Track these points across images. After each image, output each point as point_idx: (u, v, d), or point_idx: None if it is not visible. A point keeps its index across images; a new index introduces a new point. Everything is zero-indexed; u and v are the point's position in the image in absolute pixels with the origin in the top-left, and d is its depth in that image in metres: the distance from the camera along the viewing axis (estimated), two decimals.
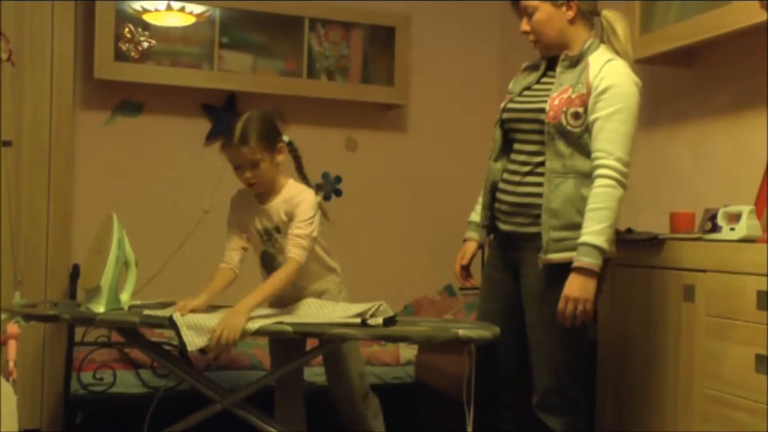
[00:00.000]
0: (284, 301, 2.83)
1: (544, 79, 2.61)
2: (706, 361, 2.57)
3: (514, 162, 2.62)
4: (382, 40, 4.51)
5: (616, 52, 2.52)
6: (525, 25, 2.58)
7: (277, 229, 2.78)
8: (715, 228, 2.68)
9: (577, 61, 2.53)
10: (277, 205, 2.77)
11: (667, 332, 2.74)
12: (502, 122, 2.65)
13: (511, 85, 2.73)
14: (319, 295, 2.85)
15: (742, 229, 2.55)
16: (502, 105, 2.67)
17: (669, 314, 2.73)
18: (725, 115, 3.18)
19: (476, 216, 2.80)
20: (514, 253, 2.62)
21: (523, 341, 2.64)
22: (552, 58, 2.61)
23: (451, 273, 4.57)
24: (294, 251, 2.67)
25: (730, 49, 3.10)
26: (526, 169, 2.57)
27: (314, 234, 2.73)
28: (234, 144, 2.69)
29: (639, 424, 2.84)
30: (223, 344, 2.49)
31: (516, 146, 2.62)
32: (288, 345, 2.90)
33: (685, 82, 3.32)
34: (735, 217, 2.61)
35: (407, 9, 4.53)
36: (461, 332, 2.46)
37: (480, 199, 2.78)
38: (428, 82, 4.72)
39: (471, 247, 2.81)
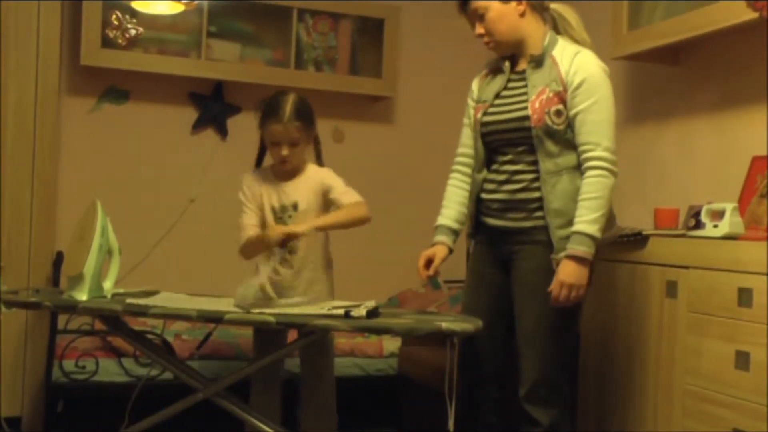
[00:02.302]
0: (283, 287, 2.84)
1: (513, 84, 2.62)
2: (687, 356, 2.59)
3: (498, 164, 2.62)
4: (370, 32, 4.50)
5: (576, 42, 2.57)
6: (479, 29, 2.61)
7: (295, 206, 2.86)
8: (699, 225, 2.70)
9: (542, 59, 2.55)
10: (299, 182, 2.89)
11: (649, 327, 2.75)
12: (483, 135, 2.65)
13: (475, 91, 2.74)
14: (315, 288, 2.87)
15: (725, 226, 2.57)
16: (479, 116, 2.66)
17: (651, 310, 2.75)
18: (711, 113, 3.19)
19: (447, 219, 2.78)
20: (506, 247, 2.62)
21: (510, 335, 2.65)
22: (512, 57, 2.63)
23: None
24: (353, 197, 2.91)
25: (717, 47, 3.11)
26: (515, 168, 2.58)
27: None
28: (284, 121, 2.79)
29: (620, 418, 2.86)
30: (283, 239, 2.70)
31: (500, 152, 2.62)
32: (271, 336, 2.91)
33: (671, 79, 3.33)
34: (718, 214, 2.63)
35: (396, 1, 4.52)
36: (444, 325, 2.46)
37: (446, 203, 2.80)
38: (416, 74, 4.71)
39: (440, 250, 2.76)
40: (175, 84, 4.24)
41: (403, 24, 4.55)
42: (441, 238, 2.77)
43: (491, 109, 2.63)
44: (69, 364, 3.41)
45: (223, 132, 4.31)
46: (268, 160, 3.00)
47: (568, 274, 2.43)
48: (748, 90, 3.00)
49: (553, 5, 2.62)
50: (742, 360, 2.37)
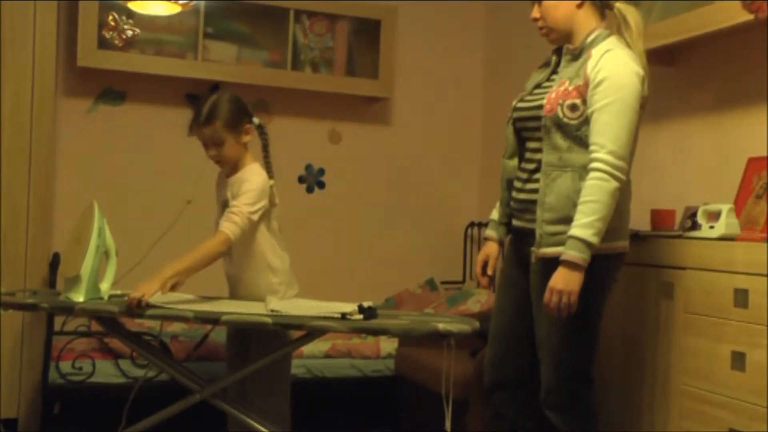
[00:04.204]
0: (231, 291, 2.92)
1: (553, 76, 2.61)
2: (683, 357, 2.60)
3: (524, 160, 2.63)
4: (367, 33, 4.50)
5: (627, 45, 2.49)
6: (535, 12, 2.59)
7: (226, 202, 2.87)
8: (695, 226, 2.70)
9: (579, 54, 2.52)
10: (234, 179, 2.88)
11: (645, 328, 2.76)
12: (513, 121, 2.66)
13: (528, 82, 2.72)
14: (251, 291, 2.88)
15: (721, 228, 2.57)
16: (514, 103, 2.67)
17: (648, 311, 2.75)
18: (707, 114, 3.20)
19: (495, 213, 2.79)
20: (525, 249, 2.60)
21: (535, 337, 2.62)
22: (562, 50, 2.61)
23: (433, 266, 4.63)
24: (225, 225, 2.74)
25: (713, 49, 3.12)
26: (533, 166, 2.57)
27: (254, 217, 2.78)
28: (200, 123, 2.81)
29: (616, 419, 2.86)
30: (134, 307, 2.52)
31: (526, 144, 2.63)
32: (245, 337, 2.92)
33: (668, 80, 3.33)
34: (714, 215, 2.63)
35: (393, 2, 4.53)
36: (440, 326, 2.46)
37: (500, 198, 2.79)
38: (413, 75, 4.72)
39: (491, 248, 2.77)
40: (172, 85, 4.24)
41: (400, 25, 4.55)
42: (490, 232, 2.80)
43: (527, 97, 2.63)
44: (66, 366, 3.41)
45: None
46: None
47: (557, 280, 2.36)
48: (744, 91, 3.01)
49: (619, 4, 2.54)
50: (738, 361, 2.38)
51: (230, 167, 2.89)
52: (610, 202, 2.36)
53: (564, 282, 2.36)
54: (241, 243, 2.81)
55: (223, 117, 2.79)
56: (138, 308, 2.52)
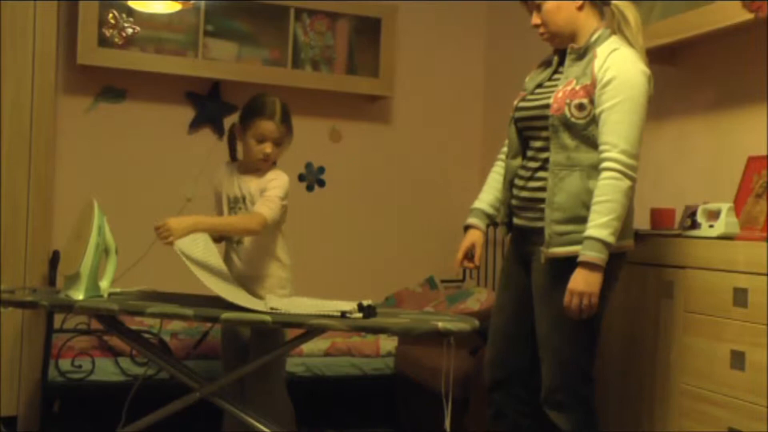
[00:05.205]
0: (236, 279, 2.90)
1: (556, 75, 2.60)
2: (683, 356, 2.60)
3: (527, 159, 2.62)
4: (367, 31, 4.50)
5: (628, 42, 2.49)
6: (536, 18, 2.57)
7: (243, 199, 2.92)
8: (695, 225, 2.70)
9: (584, 53, 2.51)
10: (256, 177, 2.92)
11: (645, 327, 2.76)
12: (515, 120, 2.65)
13: (526, 81, 2.71)
14: (258, 281, 2.91)
15: (720, 227, 2.57)
16: (515, 103, 2.66)
17: (648, 310, 2.75)
18: (707, 113, 3.20)
19: (479, 203, 2.79)
20: (526, 248, 2.60)
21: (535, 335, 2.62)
22: (564, 51, 2.59)
23: (433, 265, 4.63)
24: (262, 208, 2.82)
25: (713, 48, 3.12)
26: (536, 165, 2.56)
27: (283, 210, 2.89)
28: (275, 120, 2.89)
29: (616, 418, 2.86)
30: (159, 232, 2.67)
31: (529, 143, 2.62)
32: (238, 334, 2.95)
33: (668, 79, 3.33)
34: (714, 214, 2.63)
35: (393, 1, 4.53)
36: (440, 325, 2.46)
37: (485, 188, 2.80)
38: (413, 73, 4.72)
39: (476, 236, 2.75)
40: (172, 83, 4.24)
41: (401, 23, 4.55)
42: (473, 220, 2.78)
43: (529, 97, 2.62)
44: (65, 364, 3.41)
45: (219, 131, 4.32)
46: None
47: (577, 281, 2.36)
48: (744, 90, 3.01)
49: (615, 2, 2.54)
50: (738, 360, 2.38)
51: (269, 167, 2.95)
52: (625, 201, 2.37)
53: (584, 283, 2.35)
54: (257, 239, 2.88)
55: (291, 122, 2.95)
56: (161, 236, 2.66)
